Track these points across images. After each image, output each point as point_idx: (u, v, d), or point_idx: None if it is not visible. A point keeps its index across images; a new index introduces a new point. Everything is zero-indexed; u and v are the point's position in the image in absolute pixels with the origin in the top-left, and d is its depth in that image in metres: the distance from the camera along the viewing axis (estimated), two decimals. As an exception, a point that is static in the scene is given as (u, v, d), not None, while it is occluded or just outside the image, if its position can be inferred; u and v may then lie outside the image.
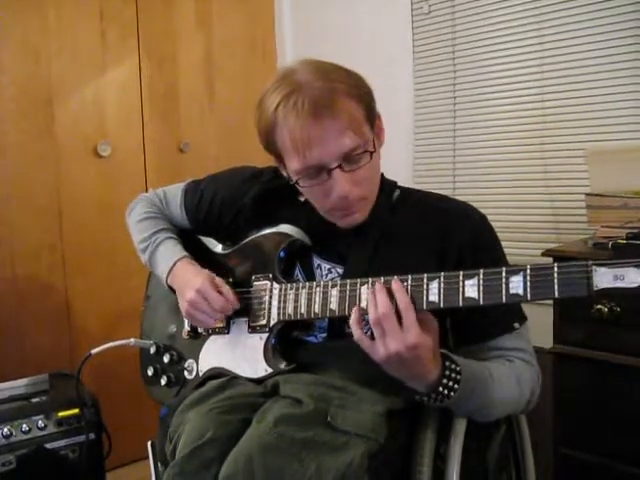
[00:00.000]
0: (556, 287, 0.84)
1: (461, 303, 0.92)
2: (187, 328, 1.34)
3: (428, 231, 1.15)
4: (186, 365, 1.33)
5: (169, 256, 1.30)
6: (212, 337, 1.29)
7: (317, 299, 1.10)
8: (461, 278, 0.93)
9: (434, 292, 0.95)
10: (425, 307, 0.96)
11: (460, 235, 1.12)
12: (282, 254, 1.22)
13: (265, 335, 1.19)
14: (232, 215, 1.32)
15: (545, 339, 1.54)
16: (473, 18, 2.19)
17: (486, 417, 1.11)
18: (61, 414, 1.75)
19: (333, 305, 1.07)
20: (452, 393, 0.99)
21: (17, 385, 1.86)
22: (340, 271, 1.18)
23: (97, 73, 2.31)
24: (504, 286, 0.89)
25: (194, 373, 1.31)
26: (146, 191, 1.51)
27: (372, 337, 0.97)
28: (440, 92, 2.32)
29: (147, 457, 1.32)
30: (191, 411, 1.10)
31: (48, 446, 1.72)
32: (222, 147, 2.60)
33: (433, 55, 2.33)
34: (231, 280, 1.26)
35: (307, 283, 1.13)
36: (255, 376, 1.18)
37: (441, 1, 2.28)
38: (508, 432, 1.23)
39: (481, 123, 2.21)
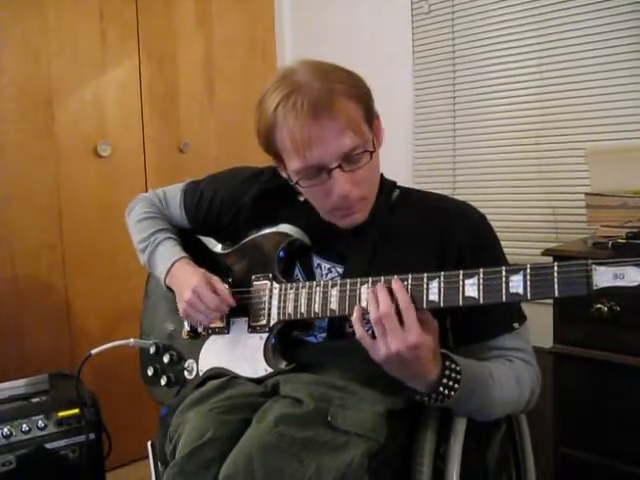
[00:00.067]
0: (556, 286, 0.84)
1: (461, 302, 0.92)
2: (187, 328, 1.34)
3: (428, 231, 1.15)
4: (186, 365, 1.33)
5: (168, 256, 1.31)
6: (212, 337, 1.29)
7: (317, 299, 1.10)
8: (461, 277, 0.93)
9: (434, 291, 0.95)
10: (425, 306, 0.96)
11: (460, 235, 1.13)
12: (282, 254, 1.22)
13: (265, 335, 1.19)
14: (232, 215, 1.32)
15: (545, 339, 1.54)
16: (473, 18, 2.19)
17: (486, 417, 1.11)
18: (61, 414, 1.75)
19: (333, 305, 1.07)
20: (452, 393, 0.99)
21: (17, 385, 1.85)
22: (340, 271, 1.18)
23: (97, 73, 2.31)
24: (504, 285, 0.89)
25: (194, 373, 1.31)
26: (146, 191, 1.51)
27: (373, 336, 0.97)
28: (440, 92, 2.32)
29: (147, 457, 1.32)
30: (191, 411, 1.10)
31: (48, 446, 1.72)
32: (222, 147, 2.60)
33: (433, 55, 2.33)
34: (231, 280, 1.26)
35: (307, 283, 1.13)
36: (255, 376, 1.18)
37: (441, 1, 2.28)
38: (508, 432, 1.23)
39: (481, 123, 2.21)
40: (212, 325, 1.28)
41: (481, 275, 0.91)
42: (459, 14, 2.23)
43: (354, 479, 0.93)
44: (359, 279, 1.04)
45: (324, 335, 1.18)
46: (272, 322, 1.18)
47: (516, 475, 1.26)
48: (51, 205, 2.23)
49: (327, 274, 1.20)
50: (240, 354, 1.22)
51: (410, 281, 0.97)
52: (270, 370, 1.16)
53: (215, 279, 1.24)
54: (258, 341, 1.19)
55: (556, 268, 0.84)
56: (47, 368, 1.98)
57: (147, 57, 2.41)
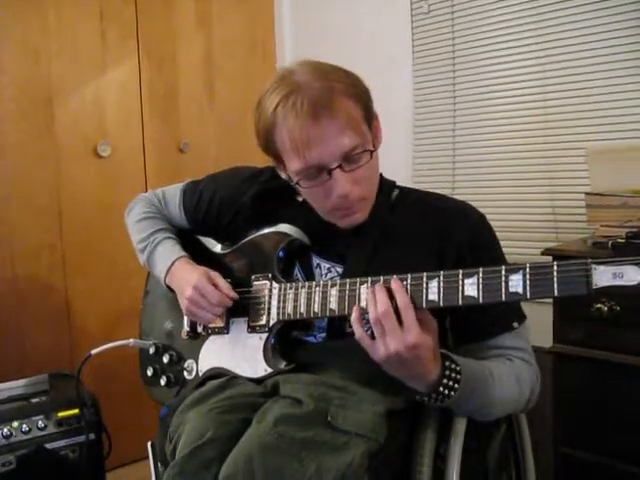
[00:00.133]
0: (555, 285, 0.84)
1: (461, 302, 0.92)
2: (186, 328, 1.34)
3: (427, 230, 1.15)
4: (186, 365, 1.33)
5: (167, 256, 1.31)
6: (211, 337, 1.29)
7: (316, 299, 1.10)
8: (460, 277, 0.93)
9: (434, 291, 0.95)
10: (425, 306, 0.96)
11: (459, 234, 1.13)
12: (281, 254, 1.22)
13: (265, 335, 1.19)
14: (231, 215, 1.32)
15: (545, 338, 1.54)
16: (472, 17, 2.19)
17: (486, 416, 1.11)
18: (61, 414, 1.75)
19: (333, 305, 1.07)
20: (452, 393, 0.99)
21: (17, 385, 1.85)
22: (339, 270, 1.19)
23: (97, 73, 2.31)
24: (504, 285, 0.89)
25: (194, 373, 1.31)
26: (146, 191, 1.51)
27: (372, 337, 0.97)
28: (440, 91, 2.32)
29: (147, 457, 1.32)
30: (191, 411, 1.10)
31: (48, 446, 1.72)
32: (222, 147, 2.60)
33: (433, 55, 2.33)
34: (230, 280, 1.26)
35: (306, 283, 1.13)
36: (255, 376, 1.18)
37: (440, 0, 2.28)
38: (508, 432, 1.23)
39: (481, 122, 2.21)
40: (211, 325, 1.28)
41: (480, 274, 0.91)
42: (458, 14, 2.23)
43: (354, 479, 0.92)
44: (358, 279, 1.04)
45: (323, 335, 1.18)
46: (271, 322, 1.18)
47: (516, 475, 1.26)
48: (51, 205, 2.23)
49: (326, 274, 1.20)
50: (240, 354, 1.22)
51: (409, 281, 0.97)
52: (270, 370, 1.16)
53: (216, 274, 1.24)
54: (258, 341, 1.19)
55: (555, 267, 0.84)
56: (47, 368, 1.99)
57: (147, 57, 2.42)
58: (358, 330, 0.99)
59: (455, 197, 1.27)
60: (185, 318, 1.34)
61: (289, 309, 1.15)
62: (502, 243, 1.18)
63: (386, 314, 0.95)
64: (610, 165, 1.72)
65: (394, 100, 2.34)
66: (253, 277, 1.24)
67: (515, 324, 1.11)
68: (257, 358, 1.18)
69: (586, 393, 1.53)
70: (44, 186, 2.21)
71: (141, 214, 1.40)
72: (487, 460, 1.16)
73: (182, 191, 1.42)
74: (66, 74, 2.23)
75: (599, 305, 1.43)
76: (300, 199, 1.24)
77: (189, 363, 1.32)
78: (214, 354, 1.28)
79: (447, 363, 0.99)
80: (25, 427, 1.70)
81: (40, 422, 1.72)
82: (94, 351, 1.47)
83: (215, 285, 1.22)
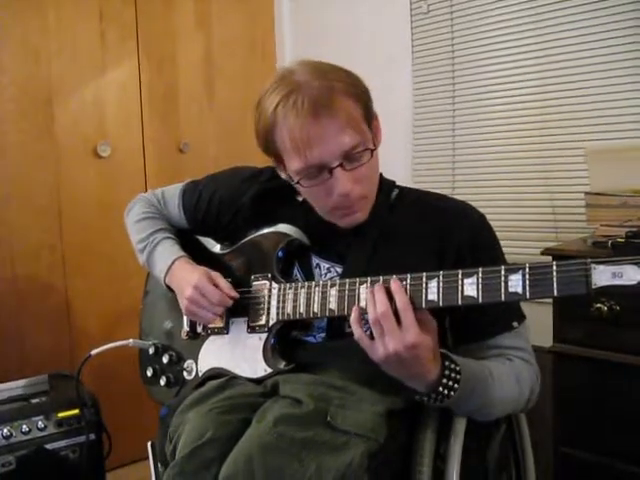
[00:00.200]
0: (555, 285, 0.84)
1: (460, 302, 0.92)
2: (186, 329, 1.34)
3: (427, 230, 1.15)
4: (185, 365, 1.33)
5: (167, 256, 1.31)
6: (211, 337, 1.29)
7: (316, 299, 1.10)
8: (460, 277, 0.93)
9: (433, 291, 0.95)
10: (424, 306, 0.96)
11: (459, 234, 1.13)
12: (280, 254, 1.22)
13: (264, 335, 1.19)
14: (231, 215, 1.32)
15: (545, 338, 1.54)
16: (472, 17, 2.19)
17: (486, 416, 1.11)
18: (61, 415, 1.75)
19: (332, 305, 1.07)
20: (452, 393, 0.99)
21: (17, 386, 1.85)
22: (339, 270, 1.19)
23: (97, 73, 2.31)
24: (503, 285, 0.89)
25: (193, 373, 1.31)
26: (146, 191, 1.51)
27: (371, 337, 0.97)
28: (439, 91, 2.32)
29: (147, 457, 1.32)
30: (191, 411, 1.10)
31: (48, 447, 1.72)
32: (222, 147, 2.60)
33: (432, 54, 2.33)
34: (230, 280, 1.26)
35: (306, 283, 1.13)
36: (254, 376, 1.18)
37: (440, 0, 2.28)
38: (508, 432, 1.23)
39: (480, 122, 2.20)
40: (211, 325, 1.28)
41: (480, 274, 0.91)
42: (458, 14, 2.23)
43: (354, 479, 0.92)
44: (358, 279, 1.04)
45: (323, 335, 1.18)
46: (271, 322, 1.18)
47: (516, 474, 1.26)
48: (51, 205, 2.23)
49: (326, 274, 1.20)
50: (239, 354, 1.22)
51: (409, 281, 0.97)
52: (269, 370, 1.16)
53: (216, 274, 1.24)
54: (257, 341, 1.19)
55: (555, 267, 0.84)
56: (47, 368, 1.99)
57: (147, 57, 2.42)
58: (357, 330, 0.99)
59: (455, 197, 1.27)
60: (185, 318, 1.34)
61: (288, 309, 1.15)
62: (502, 243, 1.18)
63: (385, 314, 0.95)
64: (610, 165, 1.72)
65: (394, 100, 2.34)
66: (252, 277, 1.24)
67: (515, 324, 1.11)
68: (257, 358, 1.18)
69: (586, 393, 1.53)
70: (44, 186, 2.21)
71: (140, 214, 1.40)
72: (487, 460, 1.16)
73: (182, 191, 1.42)
74: (66, 74, 2.23)
75: (599, 305, 1.43)
76: (300, 199, 1.24)
77: (189, 363, 1.32)
78: (214, 354, 1.28)
79: (447, 363, 0.99)
80: (25, 427, 1.70)
81: (40, 422, 1.72)
82: (94, 351, 1.47)
83: (216, 285, 1.22)
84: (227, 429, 1.03)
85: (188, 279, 1.23)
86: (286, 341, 1.20)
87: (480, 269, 0.92)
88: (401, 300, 0.95)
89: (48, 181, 2.22)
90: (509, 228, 2.08)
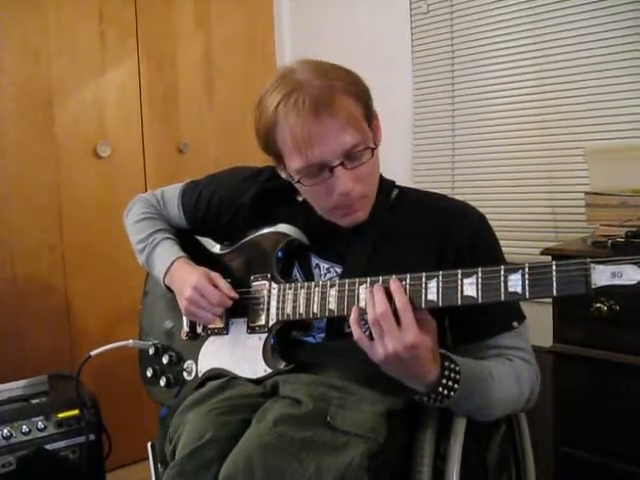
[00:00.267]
0: (555, 285, 0.84)
1: (460, 302, 0.92)
2: (186, 329, 1.34)
3: (427, 230, 1.15)
4: (185, 366, 1.33)
5: (166, 256, 1.31)
6: (211, 338, 1.29)
7: (316, 299, 1.10)
8: (460, 277, 0.93)
9: (433, 291, 0.95)
10: (424, 306, 0.96)
11: (459, 234, 1.13)
12: (280, 254, 1.22)
13: (264, 335, 1.19)
14: (230, 214, 1.32)
15: (544, 338, 1.54)
16: (471, 17, 2.19)
17: (486, 417, 1.11)
18: (61, 415, 1.75)
19: (332, 305, 1.07)
20: (452, 393, 0.99)
21: (16, 386, 1.85)
22: (339, 270, 1.19)
23: (97, 74, 2.31)
24: (503, 284, 0.89)
25: (193, 374, 1.31)
26: (145, 191, 1.51)
27: (371, 337, 0.97)
28: (439, 91, 2.32)
29: (147, 458, 1.32)
30: (191, 412, 1.10)
31: (48, 447, 1.72)
32: (221, 147, 2.60)
33: (432, 54, 2.33)
34: (229, 280, 1.26)
35: (306, 283, 1.13)
36: (254, 376, 1.18)
37: (439, 1, 2.28)
38: (508, 432, 1.23)
39: (480, 122, 2.20)
40: (211, 326, 1.28)
41: (480, 274, 0.91)
42: (457, 14, 2.23)
43: (354, 479, 0.92)
44: (357, 279, 1.04)
45: (322, 335, 1.18)
46: (271, 322, 1.18)
47: (516, 474, 1.26)
48: (51, 205, 2.23)
49: (326, 274, 1.20)
50: (239, 355, 1.22)
51: (408, 281, 0.97)
52: (269, 370, 1.16)
53: (216, 275, 1.24)
54: (257, 342, 1.19)
55: (554, 267, 0.84)
56: (47, 369, 1.99)
57: (146, 57, 2.42)
58: (356, 331, 0.99)
59: (455, 197, 1.27)
60: (184, 319, 1.34)
61: (288, 309, 1.15)
62: (501, 243, 1.18)
63: (384, 315, 0.95)
64: (609, 164, 1.72)
65: (393, 100, 2.34)
66: (252, 277, 1.24)
67: (515, 324, 1.11)
68: (256, 358, 1.18)
69: (586, 392, 1.53)
70: (44, 186, 2.21)
71: (140, 215, 1.40)
72: (487, 460, 1.16)
73: (181, 191, 1.42)
74: (66, 74, 2.24)
75: (599, 305, 1.43)
76: (300, 199, 1.24)
77: (189, 364, 1.32)
78: (213, 355, 1.28)
79: (446, 363, 0.99)
80: (25, 428, 1.70)
81: (40, 423, 1.72)
82: (94, 352, 1.47)
83: (215, 285, 1.22)
84: (227, 429, 1.03)
85: (187, 279, 1.23)
86: (286, 341, 1.20)
87: (480, 269, 0.92)
88: (400, 300, 0.95)
89: (48, 181, 2.22)
90: (509, 228, 2.08)
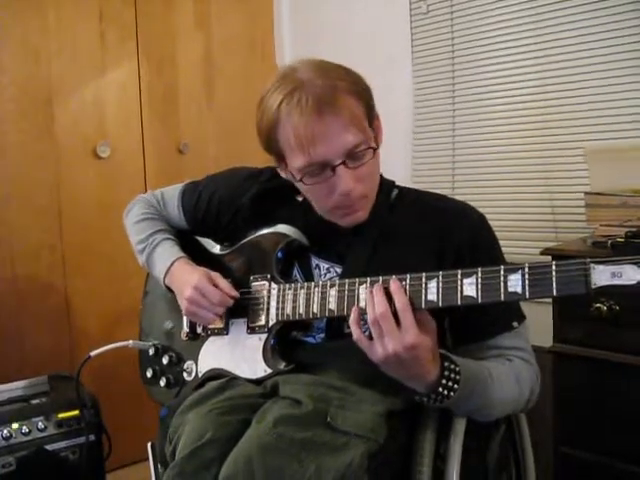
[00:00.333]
0: (554, 285, 0.84)
1: (460, 302, 0.92)
2: (186, 329, 1.34)
3: (427, 230, 1.15)
4: (185, 366, 1.33)
5: (166, 257, 1.31)
6: (211, 338, 1.29)
7: (315, 299, 1.10)
8: (459, 277, 0.93)
9: (432, 291, 0.95)
10: (424, 306, 0.96)
11: (459, 234, 1.13)
12: (280, 254, 1.22)
13: (264, 336, 1.19)
14: (230, 215, 1.32)
15: (544, 338, 1.54)
16: (471, 17, 2.19)
17: (486, 417, 1.11)
18: (61, 415, 1.75)
19: (332, 305, 1.07)
20: (452, 393, 0.99)
21: (16, 387, 1.85)
22: (338, 271, 1.19)
23: (96, 74, 2.31)
24: (502, 284, 0.89)
25: (193, 374, 1.31)
26: (145, 192, 1.51)
27: (371, 337, 0.97)
28: (439, 91, 2.32)
29: (147, 458, 1.32)
30: (191, 412, 1.10)
31: (48, 448, 1.72)
32: (221, 147, 2.60)
33: (432, 55, 2.33)
34: (229, 281, 1.26)
35: (305, 283, 1.13)
36: (254, 377, 1.18)
37: (439, 1, 2.28)
38: (508, 432, 1.23)
39: (480, 122, 2.20)
40: (211, 326, 1.28)
41: (479, 274, 0.91)
42: (457, 14, 2.23)
43: (354, 479, 0.92)
44: (357, 279, 1.04)
45: (322, 336, 1.18)
46: (271, 323, 1.18)
47: (516, 474, 1.26)
48: (51, 205, 2.23)
49: (325, 274, 1.20)
50: (239, 355, 1.22)
51: (408, 281, 0.97)
52: (269, 371, 1.16)
53: (216, 275, 1.24)
54: (257, 342, 1.19)
55: (554, 267, 0.84)
56: (47, 369, 1.99)
57: (146, 58, 2.41)
58: (356, 331, 0.99)
59: (455, 197, 1.27)
60: (184, 319, 1.34)
61: (288, 310, 1.15)
62: (501, 243, 1.18)
63: (384, 315, 0.95)
64: (609, 164, 1.72)
65: (394, 100, 2.34)
66: (252, 278, 1.24)
67: (515, 324, 1.11)
68: (256, 359, 1.18)
69: (585, 392, 1.53)
70: (44, 186, 2.21)
71: (140, 215, 1.40)
72: (487, 460, 1.16)
73: (181, 191, 1.42)
74: (66, 74, 2.23)
75: (598, 305, 1.43)
76: (300, 199, 1.24)
77: (189, 364, 1.32)
78: (213, 355, 1.28)
79: (446, 364, 0.99)
80: (25, 428, 1.70)
81: (40, 423, 1.72)
82: (93, 353, 1.47)
83: (216, 285, 1.22)
84: (227, 430, 1.03)
85: (188, 280, 1.23)
86: (286, 342, 1.20)
87: (479, 269, 0.92)
88: (400, 301, 0.95)
89: (48, 181, 2.22)
90: (509, 228, 2.08)
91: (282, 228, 1.23)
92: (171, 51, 2.49)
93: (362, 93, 1.11)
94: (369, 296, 0.98)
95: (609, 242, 1.44)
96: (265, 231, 1.25)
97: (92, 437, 1.76)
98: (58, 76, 2.22)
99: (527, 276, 0.87)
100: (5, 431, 1.67)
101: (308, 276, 1.22)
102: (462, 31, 2.23)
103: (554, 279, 0.84)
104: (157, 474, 1.28)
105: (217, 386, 1.16)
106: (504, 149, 2.15)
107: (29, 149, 2.17)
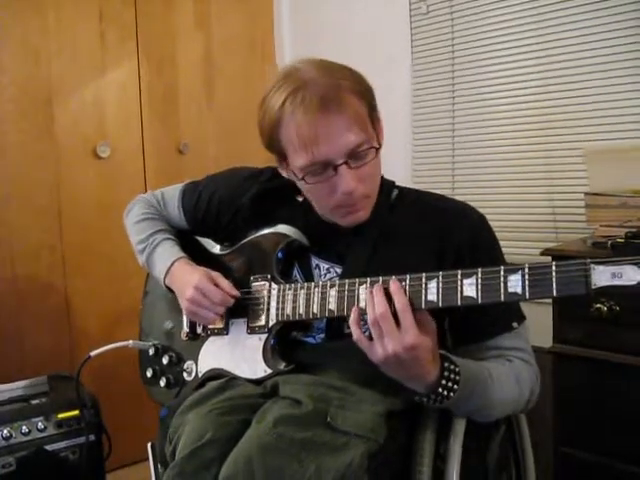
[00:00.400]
0: (554, 286, 0.84)
1: (460, 302, 0.92)
2: (186, 329, 1.34)
3: (427, 230, 1.15)
4: (185, 366, 1.33)
5: (167, 257, 1.31)
6: (211, 338, 1.29)
7: (315, 299, 1.10)
8: (459, 277, 0.93)
9: (432, 292, 0.95)
10: (424, 307, 0.96)
11: (459, 235, 1.12)
12: (280, 255, 1.22)
13: (264, 336, 1.19)
14: (230, 214, 1.32)
15: (544, 338, 1.54)
16: (471, 18, 2.19)
17: (486, 417, 1.11)
18: (61, 416, 1.75)
19: (332, 305, 1.07)
20: (451, 394, 0.99)
21: (16, 387, 1.85)
22: (338, 271, 1.18)
23: (96, 74, 2.31)
24: (502, 285, 0.89)
25: (193, 374, 1.31)
26: (145, 192, 1.51)
27: (370, 338, 0.97)
28: (439, 92, 2.32)
29: (147, 458, 1.32)
30: (191, 412, 1.10)
31: (48, 448, 1.72)
32: (221, 147, 2.60)
33: (432, 55, 2.33)
34: (230, 281, 1.26)
35: (305, 284, 1.13)
36: (254, 377, 1.18)
37: (439, 1, 2.28)
38: (508, 432, 1.23)
39: (480, 123, 2.21)
40: (211, 326, 1.28)
41: (479, 275, 0.91)
42: (457, 14, 2.23)
43: (354, 479, 0.92)
44: (357, 280, 1.04)
45: (322, 336, 1.18)
46: (271, 323, 1.18)
47: (516, 474, 1.26)
48: (51, 205, 2.23)
49: (325, 274, 1.20)
50: (239, 355, 1.22)
51: (408, 281, 0.97)
52: (269, 371, 1.16)
53: (217, 274, 1.24)
54: (257, 342, 1.19)
55: (554, 267, 0.84)
56: (47, 369, 1.98)
57: (146, 58, 2.42)
58: (356, 332, 0.99)
59: (455, 197, 1.27)
60: (184, 319, 1.34)
61: (288, 310, 1.15)
62: (501, 243, 1.18)
63: (384, 315, 0.95)
64: (609, 165, 1.72)
65: (393, 100, 2.34)
66: (252, 278, 1.24)
67: (514, 324, 1.11)
68: (256, 359, 1.18)
69: (585, 393, 1.53)
70: (44, 186, 2.21)
71: (140, 215, 1.40)
72: (487, 460, 1.16)
73: (181, 191, 1.42)
74: (66, 75, 2.24)
75: (598, 305, 1.43)
76: (300, 199, 1.24)
77: (189, 364, 1.32)
78: (213, 355, 1.28)
79: (446, 364, 0.99)
80: (25, 429, 1.70)
81: (40, 424, 1.72)
82: (93, 353, 1.47)
83: (216, 285, 1.22)
84: (227, 430, 1.03)
85: (188, 280, 1.23)
86: (286, 342, 1.20)
87: (479, 269, 0.92)
88: (400, 301, 0.95)
89: (48, 181, 2.22)
90: (509, 228, 2.08)
91: (282, 228, 1.23)
92: (171, 51, 2.49)
93: (365, 93, 1.11)
94: (369, 296, 0.98)
95: (609, 242, 1.44)
96: (265, 231, 1.25)
97: (92, 437, 1.77)
98: (58, 76, 2.22)
99: (527, 276, 0.87)
100: (5, 431, 1.67)
101: (308, 276, 1.21)
102: (462, 31, 2.23)
103: (554, 280, 0.84)
104: (157, 474, 1.28)
105: (217, 386, 1.16)
106: (504, 149, 2.15)
107: (29, 149, 2.17)
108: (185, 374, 1.32)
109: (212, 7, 2.60)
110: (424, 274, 0.96)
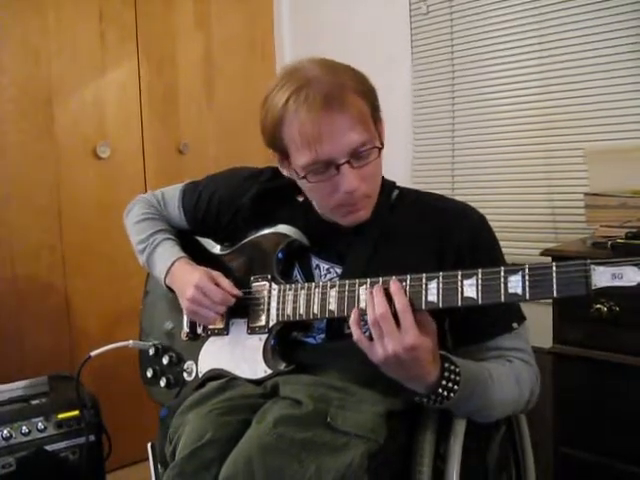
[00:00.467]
0: (555, 286, 0.84)
1: (460, 303, 0.92)
2: (186, 330, 1.34)
3: (427, 231, 1.15)
4: (185, 367, 1.33)
5: (167, 257, 1.31)
6: (211, 338, 1.29)
7: (316, 300, 1.10)
8: (460, 278, 0.93)
9: (433, 292, 0.95)
10: (424, 307, 0.96)
11: (459, 235, 1.13)
12: (280, 255, 1.22)
13: (264, 336, 1.19)
14: (230, 214, 1.32)
15: (544, 339, 1.54)
16: (471, 18, 2.19)
17: (486, 418, 1.11)
18: (61, 416, 1.75)
19: (332, 306, 1.07)
20: (451, 394, 0.99)
21: (16, 387, 1.85)
22: (339, 271, 1.18)
23: (96, 74, 2.31)
24: (503, 286, 0.89)
25: (193, 375, 1.31)
26: (145, 192, 1.51)
27: (371, 338, 0.97)
28: (439, 92, 2.32)
29: (147, 459, 1.32)
30: (191, 412, 1.10)
31: (48, 448, 1.72)
32: (221, 147, 2.60)
33: (432, 55, 2.33)
34: (230, 281, 1.26)
35: (306, 284, 1.13)
36: (254, 377, 1.18)
37: (439, 1, 2.28)
38: (508, 432, 1.23)
39: (480, 123, 2.21)
40: (211, 326, 1.28)
41: (480, 275, 0.91)
42: (457, 14, 2.23)
43: (354, 479, 0.92)
44: (357, 280, 1.04)
45: (322, 336, 1.18)
46: (271, 323, 1.18)
47: (516, 474, 1.26)
48: (51, 205, 2.23)
49: (326, 275, 1.20)
50: (239, 355, 1.22)
51: (408, 282, 0.97)
52: (269, 371, 1.16)
53: (218, 274, 1.24)
54: (257, 342, 1.19)
55: (554, 268, 0.84)
56: (47, 369, 1.98)
57: (146, 58, 2.42)
58: (356, 332, 0.99)
59: (455, 197, 1.27)
60: (185, 319, 1.34)
61: (288, 310, 1.15)
62: (501, 243, 1.18)
63: (384, 316, 0.95)
64: (609, 165, 1.72)
65: (393, 100, 2.34)
66: (252, 278, 1.24)
67: (515, 325, 1.11)
68: (257, 359, 1.18)
69: (585, 393, 1.53)
70: (44, 186, 2.21)
71: (140, 215, 1.40)
72: (487, 460, 1.16)
73: (181, 191, 1.42)
74: (66, 74, 2.24)
75: (598, 306, 1.43)
76: (300, 199, 1.24)
77: (189, 364, 1.32)
78: (214, 355, 1.28)
79: (446, 365, 0.99)
80: (25, 429, 1.70)
81: (40, 424, 1.72)
82: (93, 353, 1.47)
83: (217, 284, 1.22)
84: (227, 430, 1.03)
85: (189, 279, 1.23)
86: (286, 342, 1.20)
87: (480, 270, 0.92)
88: (400, 302, 0.95)
89: (48, 181, 2.22)
90: (509, 229, 2.08)
91: (282, 228, 1.23)
92: (171, 51, 2.49)
93: (368, 93, 1.11)
94: (369, 297, 0.98)
95: (609, 243, 1.44)
96: (265, 231, 1.25)
97: (92, 437, 1.77)
98: (58, 76, 2.22)
99: (527, 277, 0.87)
100: (5, 431, 1.67)
101: (308, 276, 1.21)
102: (462, 32, 2.23)
103: (554, 280, 0.84)
104: (157, 474, 1.28)
105: (217, 386, 1.16)
106: (504, 149, 2.15)
107: (29, 149, 2.17)
108: (185, 374, 1.32)
109: (212, 7, 2.60)
110: (424, 275, 0.96)
